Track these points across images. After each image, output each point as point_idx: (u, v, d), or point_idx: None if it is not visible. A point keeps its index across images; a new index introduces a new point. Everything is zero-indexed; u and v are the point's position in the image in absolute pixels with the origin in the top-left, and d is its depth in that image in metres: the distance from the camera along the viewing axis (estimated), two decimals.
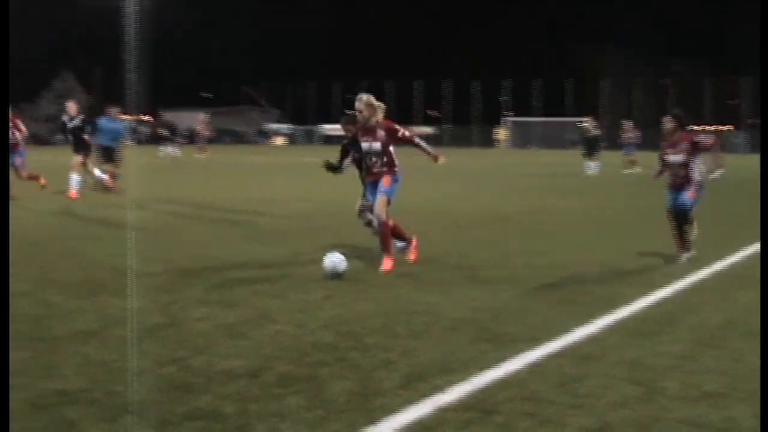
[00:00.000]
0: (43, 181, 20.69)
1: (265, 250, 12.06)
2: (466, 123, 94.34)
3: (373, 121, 10.88)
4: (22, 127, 20.18)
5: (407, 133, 11.14)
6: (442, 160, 11.53)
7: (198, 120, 57.18)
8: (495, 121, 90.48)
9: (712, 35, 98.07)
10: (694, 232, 11.43)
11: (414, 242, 11.23)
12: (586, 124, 39.74)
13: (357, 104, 10.95)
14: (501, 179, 32.26)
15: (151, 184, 24.43)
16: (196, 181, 29.52)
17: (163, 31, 79.08)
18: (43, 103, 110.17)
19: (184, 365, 6.18)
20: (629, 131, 39.75)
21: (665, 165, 11.67)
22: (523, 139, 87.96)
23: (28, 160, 20.30)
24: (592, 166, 35.00)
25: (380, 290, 9.17)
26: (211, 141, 64.93)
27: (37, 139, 78.51)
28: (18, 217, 15.59)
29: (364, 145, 10.89)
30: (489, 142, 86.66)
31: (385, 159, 10.83)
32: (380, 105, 11.01)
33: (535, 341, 6.90)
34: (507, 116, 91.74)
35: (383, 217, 10.59)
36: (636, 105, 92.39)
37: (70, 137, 22.05)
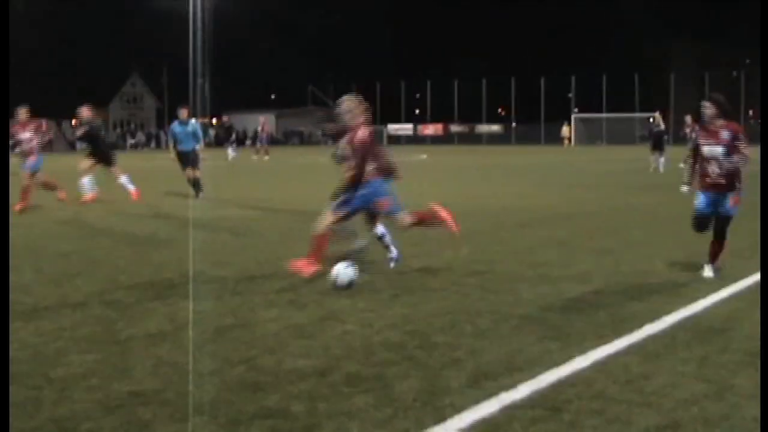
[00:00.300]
0: (62, 194, 19.26)
1: (334, 249, 12.11)
2: (533, 120, 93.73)
3: (355, 124, 10.28)
4: (48, 134, 20.48)
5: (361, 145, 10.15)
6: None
7: (259, 122, 57.67)
8: (563, 118, 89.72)
9: None
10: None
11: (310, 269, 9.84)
12: (653, 120, 39.21)
13: (339, 109, 10.43)
14: (568, 176, 32.01)
15: (219, 187, 24.63)
16: (261, 182, 29.79)
17: (229, 35, 80.00)
18: (115, 108, 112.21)
19: (253, 365, 6.28)
20: (689, 126, 39.16)
21: (700, 160, 9.98)
22: (589, 135, 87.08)
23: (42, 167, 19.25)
24: (660, 162, 34.53)
25: (447, 289, 9.20)
26: (275, 142, 65.55)
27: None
28: (78, 221, 15.90)
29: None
30: (556, 139, 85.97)
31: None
32: (360, 109, 10.44)
33: (602, 339, 6.89)
34: (574, 113, 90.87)
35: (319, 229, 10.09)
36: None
37: (84, 143, 21.85)
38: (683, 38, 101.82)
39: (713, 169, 9.78)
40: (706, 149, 9.81)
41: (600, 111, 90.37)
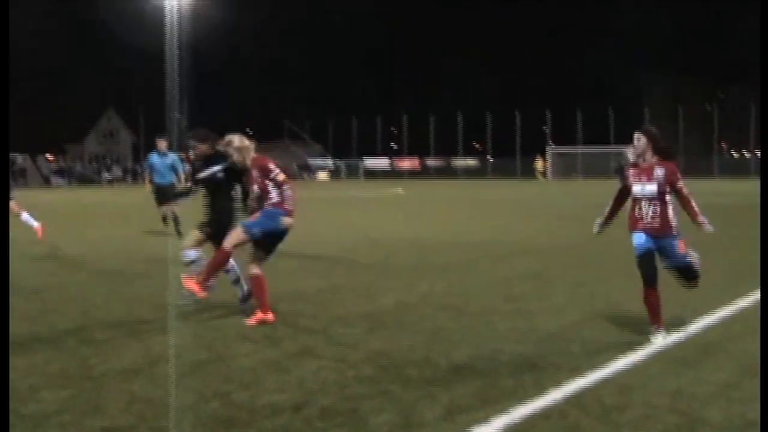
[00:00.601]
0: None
1: (309, 284, 12.14)
2: (509, 154, 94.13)
3: (248, 162, 9.74)
4: None
5: (279, 177, 9.58)
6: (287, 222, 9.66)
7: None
8: (538, 151, 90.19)
9: (756, 60, 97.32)
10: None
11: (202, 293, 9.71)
12: (624, 152, 39.35)
13: (227, 149, 9.92)
14: (543, 209, 32.15)
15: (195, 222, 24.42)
16: None
17: (205, 68, 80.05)
18: (90, 142, 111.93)
19: (228, 400, 6.28)
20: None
21: (631, 201, 8.68)
22: (566, 169, 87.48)
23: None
24: None
25: (423, 323, 9.23)
26: None
27: (82, 178, 79.70)
28: (52, 256, 15.83)
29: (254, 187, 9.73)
30: (532, 172, 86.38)
31: (264, 197, 9.62)
32: (249, 145, 9.91)
33: (576, 372, 6.93)
34: (549, 146, 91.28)
35: (227, 246, 9.71)
36: (681, 132, 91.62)
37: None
38: (657, 72, 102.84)
39: (646, 210, 8.48)
40: (638, 188, 8.50)
41: (575, 144, 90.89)
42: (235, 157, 9.76)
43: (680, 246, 8.48)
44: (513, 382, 6.70)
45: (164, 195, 20.36)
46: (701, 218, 8.52)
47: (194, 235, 10.54)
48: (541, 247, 17.47)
